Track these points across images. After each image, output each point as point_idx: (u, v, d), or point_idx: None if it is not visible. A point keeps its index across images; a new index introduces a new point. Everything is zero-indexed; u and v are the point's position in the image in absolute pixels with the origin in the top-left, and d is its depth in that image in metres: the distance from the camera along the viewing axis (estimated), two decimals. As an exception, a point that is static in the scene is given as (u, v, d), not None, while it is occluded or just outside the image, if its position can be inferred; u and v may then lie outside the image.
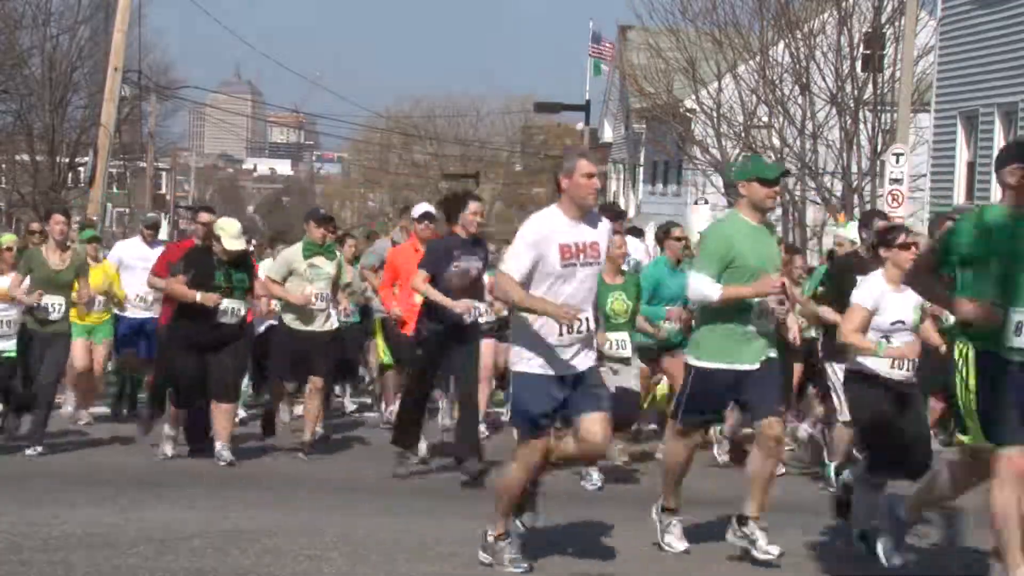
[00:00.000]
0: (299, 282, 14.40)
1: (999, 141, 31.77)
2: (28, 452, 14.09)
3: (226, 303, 13.67)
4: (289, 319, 14.49)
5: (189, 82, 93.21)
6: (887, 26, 39.56)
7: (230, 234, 13.83)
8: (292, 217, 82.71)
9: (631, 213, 54.95)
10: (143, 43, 39.97)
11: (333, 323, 14.78)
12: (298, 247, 14.68)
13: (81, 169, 39.75)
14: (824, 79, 39.52)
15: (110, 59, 30.90)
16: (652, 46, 43.41)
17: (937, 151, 34.46)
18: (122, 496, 11.83)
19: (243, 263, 14.04)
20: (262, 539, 10.13)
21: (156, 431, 14.40)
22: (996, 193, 32.95)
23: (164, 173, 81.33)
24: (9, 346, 14.08)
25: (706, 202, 36.26)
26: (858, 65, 39.72)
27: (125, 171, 59.89)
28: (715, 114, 42.11)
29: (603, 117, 62.54)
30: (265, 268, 15.90)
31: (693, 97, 43.02)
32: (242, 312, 13.96)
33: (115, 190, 60.46)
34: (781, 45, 40.39)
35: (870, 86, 39.18)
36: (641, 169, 55.96)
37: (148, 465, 13.85)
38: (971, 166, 32.84)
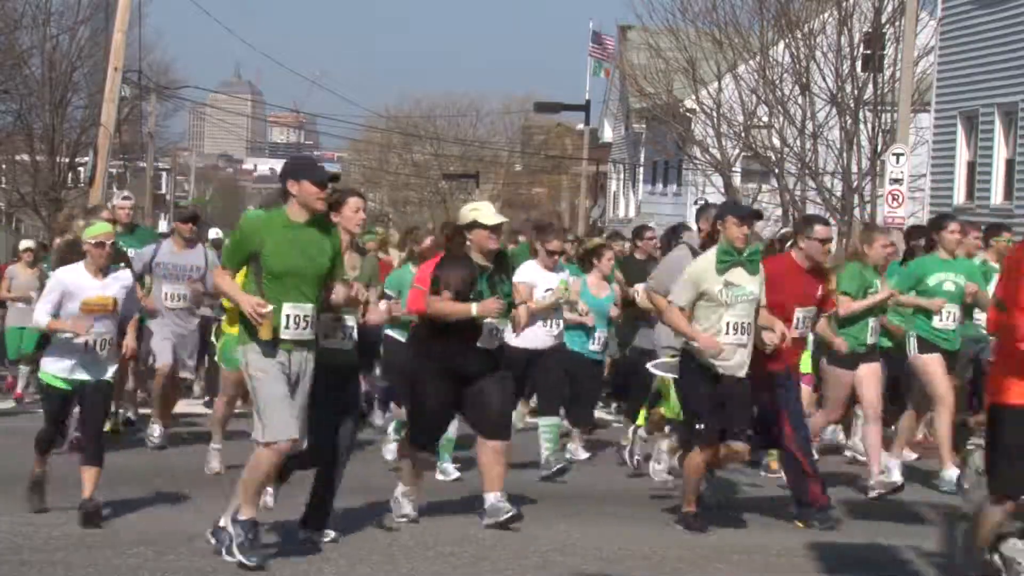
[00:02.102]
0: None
1: (999, 141, 31.77)
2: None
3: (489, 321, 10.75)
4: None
5: (189, 82, 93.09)
6: (887, 26, 39.54)
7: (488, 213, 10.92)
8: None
9: (631, 213, 54.97)
10: (143, 43, 40.00)
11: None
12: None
13: (81, 169, 39.74)
14: (824, 79, 39.50)
15: (110, 59, 30.87)
16: (652, 46, 43.39)
17: (937, 151, 34.45)
18: (122, 496, 11.82)
19: (505, 265, 11.17)
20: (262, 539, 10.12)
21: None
22: (996, 193, 33.03)
23: (164, 173, 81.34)
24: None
25: (706, 202, 36.27)
26: (858, 65, 39.71)
27: (125, 171, 59.82)
28: (715, 114, 42.10)
29: (603, 117, 62.53)
30: None
31: (693, 97, 43.00)
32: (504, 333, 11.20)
33: (115, 190, 60.33)
34: (781, 45, 40.37)
35: (870, 86, 39.16)
36: (641, 169, 55.93)
37: (148, 465, 13.84)
38: (971, 166, 32.82)
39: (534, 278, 13.51)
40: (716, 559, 10.03)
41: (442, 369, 10.60)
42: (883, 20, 39.57)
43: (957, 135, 33.31)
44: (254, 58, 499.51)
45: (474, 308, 10.46)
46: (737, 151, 42.86)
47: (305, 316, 9.33)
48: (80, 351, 10.61)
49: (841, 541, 10.65)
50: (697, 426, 10.94)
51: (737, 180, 43.39)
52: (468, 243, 10.69)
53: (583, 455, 14.74)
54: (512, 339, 12.12)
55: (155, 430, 14.90)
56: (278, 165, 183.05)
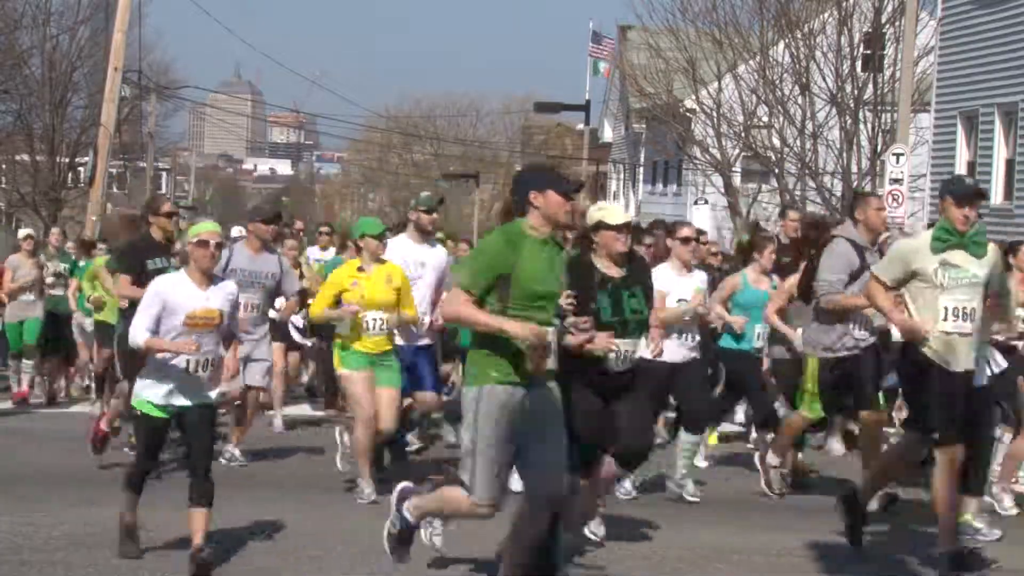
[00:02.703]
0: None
1: (999, 141, 31.76)
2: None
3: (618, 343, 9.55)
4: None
5: (189, 82, 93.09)
6: (887, 26, 39.54)
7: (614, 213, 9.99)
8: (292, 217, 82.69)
9: (631, 213, 55.00)
10: (143, 43, 40.00)
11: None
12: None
13: (81, 169, 39.76)
14: (824, 79, 39.50)
15: (110, 59, 30.91)
16: (652, 46, 43.40)
17: (937, 151, 34.43)
18: (122, 496, 11.80)
19: (639, 273, 9.99)
20: (262, 539, 10.13)
21: None
22: (996, 192, 32.99)
23: (164, 173, 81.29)
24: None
25: (706, 202, 36.25)
26: (858, 65, 39.70)
27: (125, 171, 59.84)
28: (715, 114, 42.10)
29: (603, 117, 62.55)
30: None
31: (693, 97, 43.00)
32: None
33: (115, 190, 60.37)
34: (781, 45, 40.37)
35: (870, 86, 39.16)
36: (641, 169, 55.93)
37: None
38: (971, 166, 32.80)
39: (667, 284, 12.06)
40: (716, 559, 10.03)
41: (581, 385, 9.41)
42: (883, 20, 39.56)
43: (957, 135, 33.30)
44: (254, 58, 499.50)
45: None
46: (737, 151, 42.86)
47: (553, 347, 8.25)
48: (180, 373, 9.29)
49: (841, 541, 10.63)
50: (927, 427, 9.81)
51: (737, 180, 43.40)
52: (594, 247, 9.67)
53: (839, 449, 14.76)
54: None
55: (234, 453, 13.98)
56: (278, 165, 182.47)
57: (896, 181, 28.94)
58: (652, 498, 12.42)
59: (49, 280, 19.43)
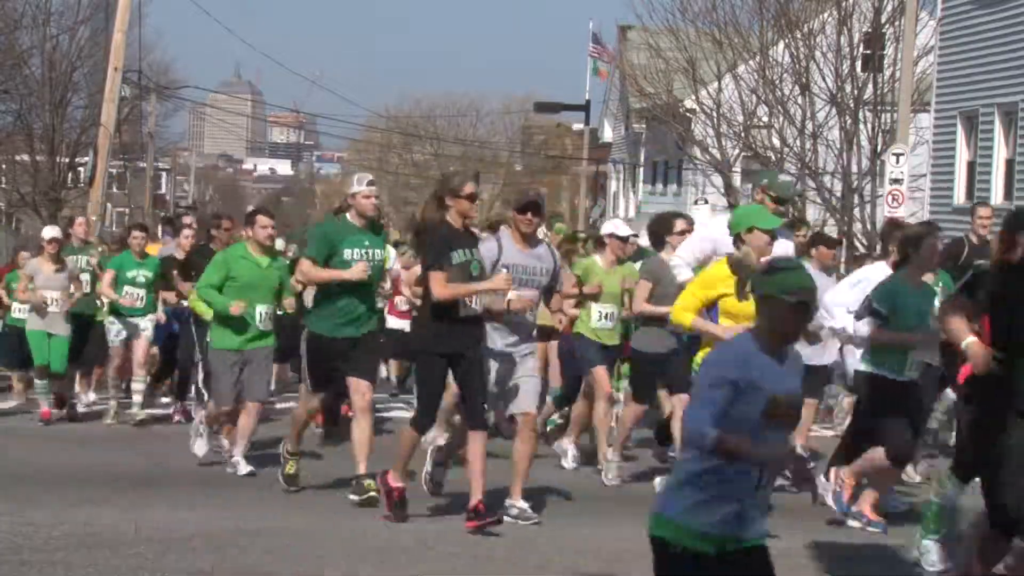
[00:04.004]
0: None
1: (999, 141, 31.75)
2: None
3: None
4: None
5: (189, 82, 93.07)
6: (887, 26, 39.55)
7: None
8: (292, 217, 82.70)
9: (631, 213, 54.96)
10: (143, 43, 40.02)
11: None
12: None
13: (81, 169, 39.71)
14: (824, 79, 39.51)
15: (110, 59, 30.90)
16: (652, 46, 43.41)
17: (937, 151, 34.43)
18: (122, 496, 11.83)
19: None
20: (262, 539, 10.13)
21: None
22: (996, 193, 33.04)
23: (164, 173, 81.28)
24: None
25: (706, 202, 36.22)
26: (858, 65, 39.71)
27: (125, 171, 59.87)
28: (715, 114, 42.11)
29: (603, 117, 62.53)
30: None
31: (693, 97, 43.02)
32: None
33: (115, 190, 60.46)
34: (781, 45, 40.38)
35: (870, 86, 39.18)
36: (641, 169, 55.93)
37: (148, 465, 13.85)
38: (971, 166, 32.81)
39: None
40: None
41: None
42: (883, 20, 39.58)
43: (957, 135, 33.29)
44: (254, 58, 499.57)
45: None
46: (737, 151, 42.86)
47: None
48: None
49: (841, 541, 10.64)
50: None
51: (737, 180, 43.40)
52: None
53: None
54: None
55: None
56: (278, 165, 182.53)
57: (896, 181, 28.95)
58: (643, 496, 12.42)
59: (81, 280, 17.53)
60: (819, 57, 39.54)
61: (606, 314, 14.03)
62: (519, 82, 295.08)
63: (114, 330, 17.28)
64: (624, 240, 14.50)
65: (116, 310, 17.25)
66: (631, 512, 11.69)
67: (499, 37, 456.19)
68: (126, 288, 17.08)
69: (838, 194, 38.83)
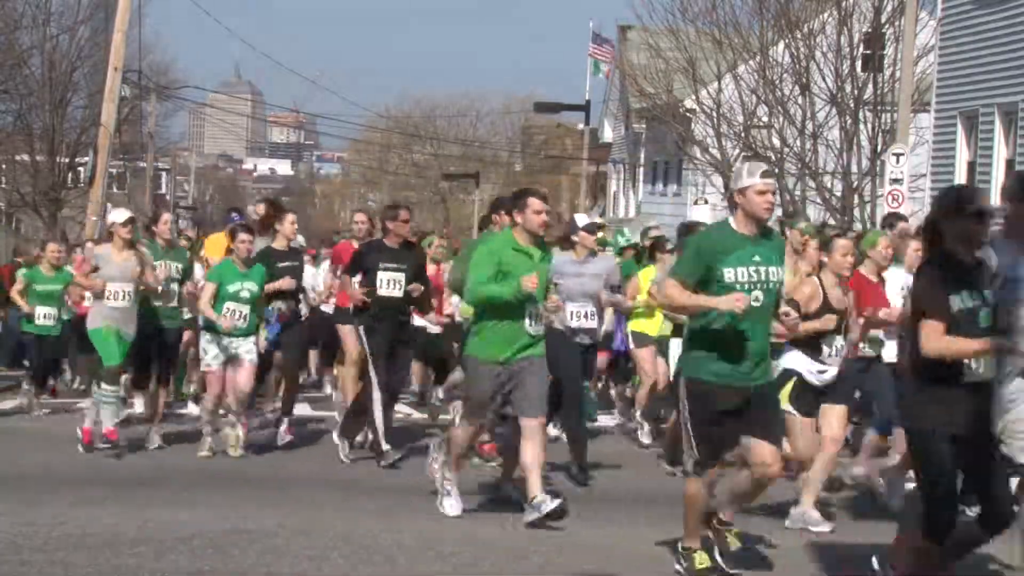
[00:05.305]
0: None
1: (999, 141, 31.75)
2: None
3: None
4: None
5: (189, 82, 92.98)
6: (887, 26, 39.53)
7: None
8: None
9: (631, 213, 54.96)
10: (143, 43, 39.94)
11: None
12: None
13: (81, 169, 39.76)
14: (824, 79, 39.49)
15: (110, 59, 30.89)
16: (652, 46, 43.39)
17: (937, 151, 34.43)
18: (122, 496, 11.83)
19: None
20: (262, 539, 10.13)
21: None
22: (996, 193, 33.01)
23: (164, 173, 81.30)
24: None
25: (706, 202, 36.22)
26: (858, 65, 39.70)
27: (125, 171, 59.88)
28: (715, 114, 42.08)
29: (603, 117, 62.52)
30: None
31: (693, 97, 43.00)
32: None
33: (115, 190, 60.39)
34: (781, 45, 40.36)
35: (870, 86, 39.16)
36: (641, 169, 55.91)
37: (148, 465, 13.85)
38: (971, 166, 32.80)
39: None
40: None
41: None
42: (883, 20, 39.56)
43: (957, 135, 33.29)
44: (254, 58, 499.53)
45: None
46: (737, 151, 42.82)
47: None
48: None
49: (841, 541, 10.64)
50: None
51: (737, 180, 43.34)
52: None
53: None
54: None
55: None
56: (278, 165, 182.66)
57: (896, 181, 28.93)
58: (653, 497, 12.42)
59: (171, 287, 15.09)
60: (819, 57, 39.51)
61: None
62: (519, 82, 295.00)
63: (212, 352, 14.42)
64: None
65: (211, 328, 14.43)
66: (631, 512, 11.70)
67: (499, 37, 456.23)
68: (227, 305, 14.29)
69: (838, 194, 38.82)
